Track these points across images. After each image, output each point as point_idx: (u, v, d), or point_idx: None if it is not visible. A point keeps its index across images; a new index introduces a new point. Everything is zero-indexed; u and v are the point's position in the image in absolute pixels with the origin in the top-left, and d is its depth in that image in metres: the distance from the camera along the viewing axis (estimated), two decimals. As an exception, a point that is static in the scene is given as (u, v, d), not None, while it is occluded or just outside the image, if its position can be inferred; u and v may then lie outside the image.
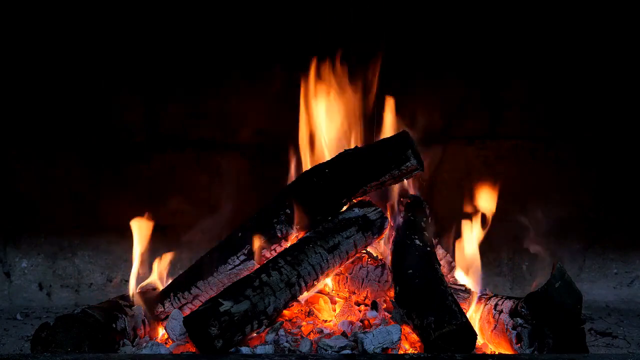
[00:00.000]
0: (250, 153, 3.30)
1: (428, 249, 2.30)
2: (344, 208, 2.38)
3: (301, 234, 2.33)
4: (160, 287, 2.38)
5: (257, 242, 2.29)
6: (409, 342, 2.06)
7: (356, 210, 2.35)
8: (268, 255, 2.31)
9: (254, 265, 2.29)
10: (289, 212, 2.33)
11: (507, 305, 2.08)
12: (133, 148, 3.29)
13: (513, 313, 2.02)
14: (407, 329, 2.05)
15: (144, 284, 2.39)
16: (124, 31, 3.20)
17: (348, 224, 2.30)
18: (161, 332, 2.28)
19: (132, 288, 2.34)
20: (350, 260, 2.34)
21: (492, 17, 3.21)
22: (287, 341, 2.04)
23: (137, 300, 2.26)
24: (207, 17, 3.20)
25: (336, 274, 2.38)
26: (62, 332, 1.95)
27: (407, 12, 3.20)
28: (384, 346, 1.96)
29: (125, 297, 2.31)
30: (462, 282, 2.43)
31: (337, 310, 2.30)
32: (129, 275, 2.39)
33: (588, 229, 3.35)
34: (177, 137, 3.30)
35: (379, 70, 2.70)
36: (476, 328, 2.04)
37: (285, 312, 2.18)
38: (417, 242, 2.31)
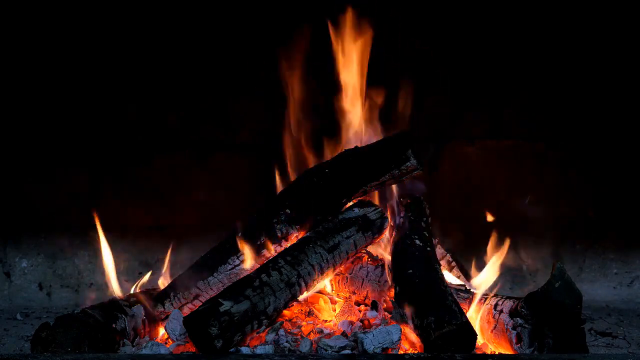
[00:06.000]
0: (250, 153, 3.30)
1: (428, 249, 2.30)
2: (344, 208, 2.38)
3: (301, 234, 2.33)
4: (160, 287, 2.38)
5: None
6: (409, 342, 2.06)
7: (356, 210, 2.35)
8: (268, 255, 2.30)
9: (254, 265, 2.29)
10: (289, 212, 2.33)
11: (507, 305, 2.08)
12: (133, 148, 3.29)
13: (513, 313, 2.02)
14: (407, 329, 2.05)
15: (142, 281, 2.39)
16: (124, 32, 3.19)
17: (348, 224, 2.30)
18: (161, 332, 2.28)
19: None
20: (350, 260, 2.34)
21: (494, 19, 3.21)
22: (287, 341, 2.04)
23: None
24: (207, 17, 3.20)
25: (336, 274, 2.38)
26: (62, 332, 1.95)
27: (407, 12, 3.20)
28: (384, 346, 1.96)
29: (125, 297, 2.30)
30: (459, 282, 2.43)
31: (337, 310, 2.30)
32: (129, 276, 2.40)
33: (588, 229, 3.35)
34: (177, 137, 3.30)
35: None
36: (476, 328, 2.04)
37: (285, 312, 2.18)
38: (417, 242, 2.31)
